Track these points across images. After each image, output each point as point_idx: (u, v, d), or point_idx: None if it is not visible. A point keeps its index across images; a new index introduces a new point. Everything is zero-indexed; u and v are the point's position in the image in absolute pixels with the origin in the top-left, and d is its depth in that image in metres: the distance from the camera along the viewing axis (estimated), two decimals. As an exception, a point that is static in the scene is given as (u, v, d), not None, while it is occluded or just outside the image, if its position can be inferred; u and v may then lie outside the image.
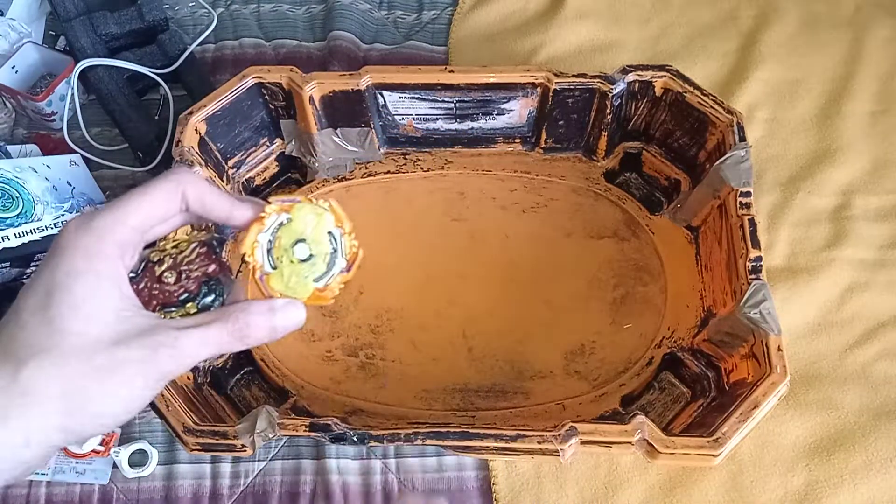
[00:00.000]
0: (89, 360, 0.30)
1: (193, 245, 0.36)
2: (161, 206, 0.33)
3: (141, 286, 0.35)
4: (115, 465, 0.60)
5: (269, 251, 0.36)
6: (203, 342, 0.32)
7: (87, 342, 0.30)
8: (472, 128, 0.71)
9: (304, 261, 0.36)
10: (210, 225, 0.37)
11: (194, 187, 0.34)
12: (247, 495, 0.60)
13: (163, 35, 0.77)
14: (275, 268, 0.36)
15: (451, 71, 0.66)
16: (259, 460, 0.61)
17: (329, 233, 0.37)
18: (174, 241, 0.37)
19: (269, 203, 0.36)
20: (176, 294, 0.35)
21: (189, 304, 0.35)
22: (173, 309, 0.35)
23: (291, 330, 0.35)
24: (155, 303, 0.35)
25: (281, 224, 0.36)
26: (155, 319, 0.32)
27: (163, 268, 0.35)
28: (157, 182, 0.33)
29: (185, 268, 0.36)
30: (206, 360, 0.60)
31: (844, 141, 0.73)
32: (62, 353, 0.29)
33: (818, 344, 0.64)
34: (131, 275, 0.35)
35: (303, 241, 0.36)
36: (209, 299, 0.35)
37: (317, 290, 0.36)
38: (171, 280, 0.35)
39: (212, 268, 0.36)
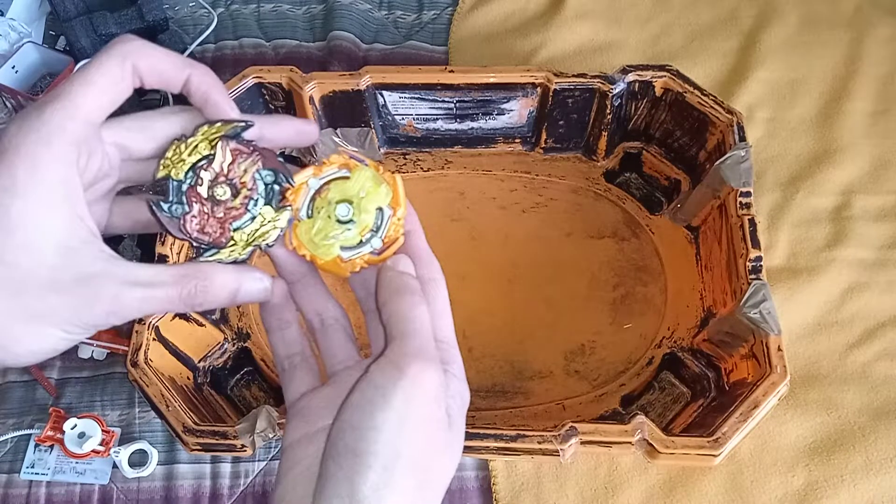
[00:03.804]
0: (18, 298, 0.26)
1: (220, 145, 0.31)
2: (111, 89, 0.29)
3: (195, 214, 0.31)
4: (115, 465, 0.60)
5: (312, 199, 0.33)
6: (145, 301, 0.29)
7: (19, 276, 0.26)
8: (472, 128, 0.71)
9: (341, 222, 0.33)
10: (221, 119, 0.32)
11: (145, 58, 0.29)
12: (247, 495, 0.60)
13: (163, 35, 0.77)
14: (310, 216, 0.33)
15: (451, 71, 0.66)
16: (259, 460, 0.61)
17: (379, 208, 0.33)
18: (189, 146, 0.31)
19: (338, 154, 0.33)
20: (242, 205, 0.32)
21: (265, 208, 0.32)
22: (248, 222, 0.32)
23: (254, 300, 0.32)
24: (226, 226, 0.31)
25: (336, 178, 0.33)
26: (101, 261, 0.28)
27: (205, 184, 0.31)
28: (101, 60, 0.29)
29: (233, 174, 0.31)
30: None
31: (844, 141, 0.73)
32: None
33: (818, 344, 0.64)
34: (175, 209, 0.30)
35: (349, 202, 0.33)
36: (278, 189, 0.32)
37: (339, 258, 0.33)
38: (228, 194, 0.31)
39: (258, 160, 0.32)
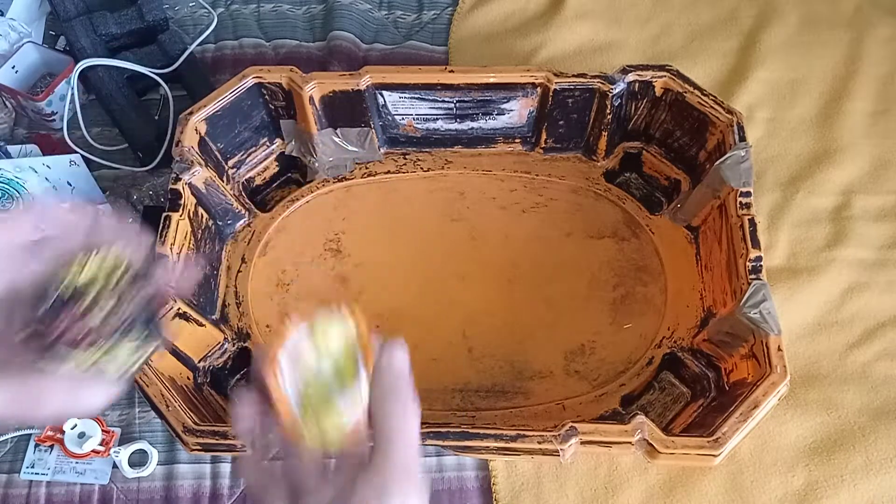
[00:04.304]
0: None
1: (117, 275, 0.33)
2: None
3: (63, 321, 0.32)
4: (115, 465, 0.60)
5: (300, 405, 0.32)
6: None
7: None
8: (472, 128, 0.71)
9: (336, 395, 0.32)
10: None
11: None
12: (247, 495, 0.60)
13: (163, 35, 0.77)
14: (302, 406, 0.32)
15: (451, 71, 0.66)
16: (259, 460, 0.61)
17: (353, 355, 0.33)
18: (87, 267, 0.33)
19: (289, 320, 0.33)
20: (108, 331, 0.32)
21: (127, 342, 0.32)
22: (106, 345, 0.32)
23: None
24: (84, 343, 0.32)
25: (306, 344, 0.33)
26: None
27: (85, 303, 0.32)
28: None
29: (113, 305, 0.32)
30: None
31: (844, 141, 0.73)
32: None
33: (818, 344, 0.64)
34: (48, 314, 0.32)
35: (336, 382, 0.32)
36: (146, 332, 0.33)
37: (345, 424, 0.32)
38: (98, 319, 0.32)
39: (143, 300, 0.33)
